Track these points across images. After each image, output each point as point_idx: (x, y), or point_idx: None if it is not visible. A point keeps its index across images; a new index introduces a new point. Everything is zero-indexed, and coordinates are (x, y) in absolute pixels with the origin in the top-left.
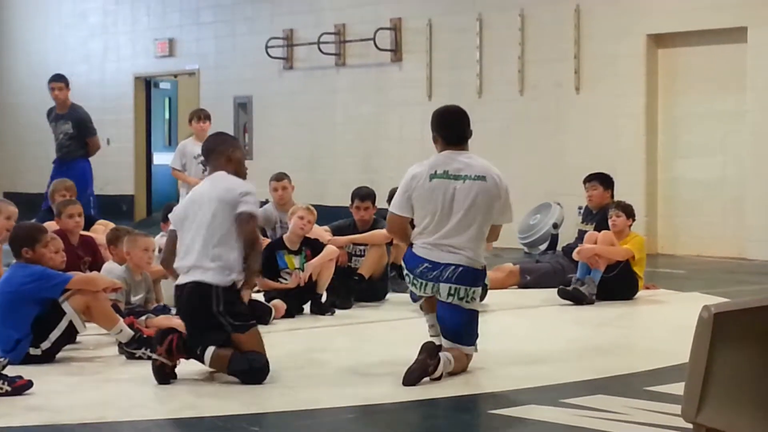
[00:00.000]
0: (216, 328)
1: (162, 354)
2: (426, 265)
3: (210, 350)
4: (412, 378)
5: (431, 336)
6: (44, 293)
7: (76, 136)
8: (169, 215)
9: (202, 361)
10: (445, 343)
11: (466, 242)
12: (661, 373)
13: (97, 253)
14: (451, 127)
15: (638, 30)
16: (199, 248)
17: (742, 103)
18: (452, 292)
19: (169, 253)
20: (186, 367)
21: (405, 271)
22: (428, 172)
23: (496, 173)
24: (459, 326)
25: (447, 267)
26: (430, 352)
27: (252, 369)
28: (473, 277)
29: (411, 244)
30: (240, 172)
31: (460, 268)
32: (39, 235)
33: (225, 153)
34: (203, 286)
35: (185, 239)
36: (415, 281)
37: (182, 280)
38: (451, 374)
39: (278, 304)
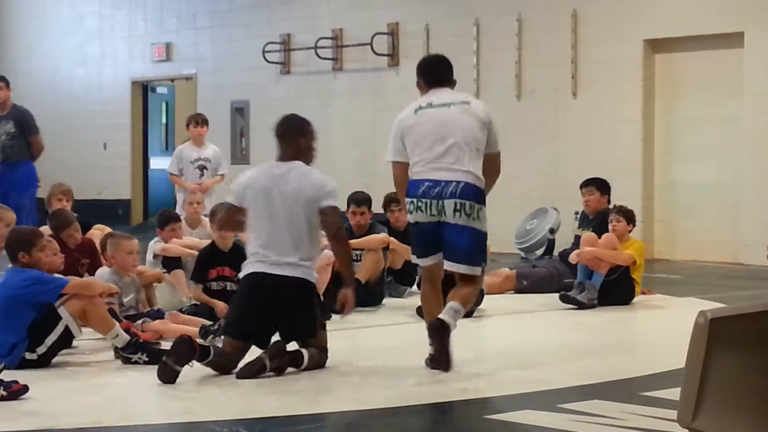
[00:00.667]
0: (313, 323)
1: (269, 368)
2: (427, 183)
3: (305, 353)
4: (444, 365)
5: (431, 345)
6: (40, 297)
7: (19, 136)
8: (236, 187)
9: (297, 367)
10: (451, 266)
11: (463, 160)
12: (657, 379)
13: (95, 255)
14: (432, 71)
15: (635, 35)
16: (292, 244)
17: (739, 108)
18: (458, 207)
19: (232, 225)
20: (186, 371)
21: (408, 202)
22: (413, 109)
23: (480, 102)
24: (467, 246)
25: (449, 183)
26: (443, 335)
27: (324, 364)
28: (476, 192)
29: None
30: (308, 161)
31: (462, 183)
32: (35, 239)
33: (295, 141)
34: (305, 283)
35: (266, 226)
36: (419, 204)
37: (275, 270)
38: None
39: None
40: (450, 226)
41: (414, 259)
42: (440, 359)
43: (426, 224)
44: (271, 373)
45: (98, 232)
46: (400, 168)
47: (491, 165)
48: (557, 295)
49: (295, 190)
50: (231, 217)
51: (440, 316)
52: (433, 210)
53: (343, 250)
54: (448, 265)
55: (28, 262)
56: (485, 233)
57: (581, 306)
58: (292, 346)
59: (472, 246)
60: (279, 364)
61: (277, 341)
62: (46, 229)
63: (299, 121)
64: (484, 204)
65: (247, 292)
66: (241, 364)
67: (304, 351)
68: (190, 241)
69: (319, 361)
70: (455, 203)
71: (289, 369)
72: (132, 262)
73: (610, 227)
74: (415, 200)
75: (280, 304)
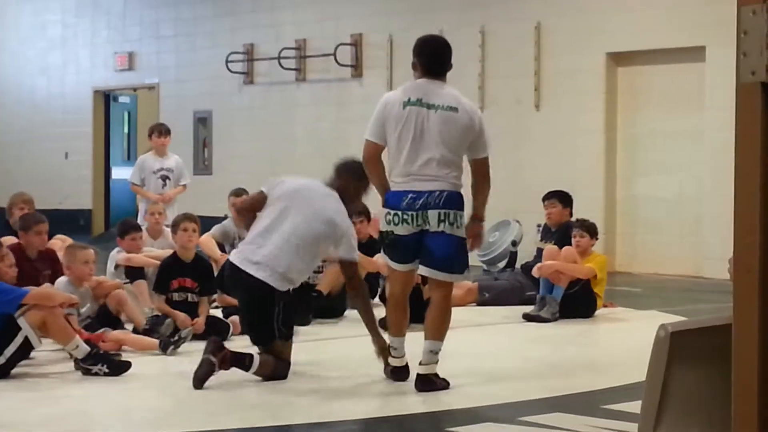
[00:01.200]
0: (268, 330)
1: (217, 365)
2: (411, 195)
3: (256, 358)
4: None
5: (394, 357)
6: (0, 308)
7: None
8: (273, 178)
9: (245, 368)
10: (431, 273)
11: (444, 170)
12: (618, 391)
13: (56, 265)
14: (433, 57)
15: (598, 48)
16: (279, 250)
17: (701, 121)
18: (442, 218)
19: (249, 210)
20: (147, 382)
21: (392, 213)
22: (402, 98)
23: (470, 105)
24: (450, 254)
25: (432, 193)
26: (433, 386)
27: (283, 376)
28: (458, 201)
29: (386, 193)
30: (346, 200)
31: (445, 193)
32: None
33: (346, 177)
34: (268, 288)
35: (271, 221)
36: (405, 217)
37: (246, 267)
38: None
39: (236, 321)
40: (433, 235)
41: (390, 263)
42: (441, 389)
43: (409, 236)
44: (221, 371)
45: (59, 242)
46: (374, 148)
47: (479, 170)
48: (519, 307)
49: (314, 204)
50: (254, 203)
51: (420, 371)
52: (419, 221)
53: (361, 302)
54: (425, 271)
55: None
56: (465, 239)
57: (544, 321)
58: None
59: (453, 254)
60: (222, 358)
61: (213, 337)
62: (5, 240)
63: (360, 167)
64: (464, 209)
65: (230, 285)
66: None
67: (256, 356)
68: (155, 253)
69: (275, 371)
70: (439, 213)
71: (254, 379)
72: (88, 272)
73: (573, 242)
74: (399, 213)
75: (242, 302)
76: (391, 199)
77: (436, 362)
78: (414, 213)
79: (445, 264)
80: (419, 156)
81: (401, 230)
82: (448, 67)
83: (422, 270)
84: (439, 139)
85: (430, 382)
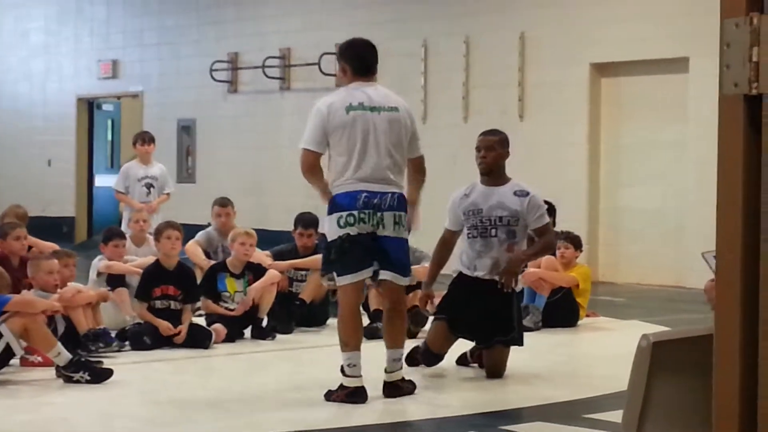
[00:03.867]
0: None
1: None
2: (366, 194)
3: None
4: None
5: (352, 376)
6: None
7: None
8: None
9: None
10: (393, 277)
11: (394, 174)
12: (600, 401)
13: None
14: (364, 58)
15: (582, 58)
16: None
17: (684, 132)
18: (397, 220)
19: None
20: (128, 390)
21: (346, 215)
22: (343, 104)
23: (405, 104)
24: (404, 257)
25: (385, 195)
26: (403, 392)
27: None
28: (405, 202)
29: (333, 197)
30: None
31: (397, 194)
32: None
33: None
34: None
35: None
36: (362, 216)
37: None
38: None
39: (219, 329)
40: (389, 239)
41: (342, 280)
42: (409, 393)
43: (363, 236)
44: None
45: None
46: (316, 156)
47: (418, 167)
48: None
49: None
50: None
51: (387, 378)
52: (373, 221)
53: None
54: (388, 275)
55: None
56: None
57: (527, 330)
58: None
59: (407, 257)
60: None
61: None
62: None
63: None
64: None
65: None
66: None
67: None
68: (138, 262)
69: None
70: (394, 215)
71: (236, 387)
72: (53, 282)
73: (558, 254)
74: (356, 213)
75: None
76: (343, 201)
77: (401, 368)
78: (370, 212)
79: (402, 267)
80: (369, 160)
81: (357, 231)
82: (377, 66)
83: (384, 274)
84: (387, 141)
85: (398, 388)
